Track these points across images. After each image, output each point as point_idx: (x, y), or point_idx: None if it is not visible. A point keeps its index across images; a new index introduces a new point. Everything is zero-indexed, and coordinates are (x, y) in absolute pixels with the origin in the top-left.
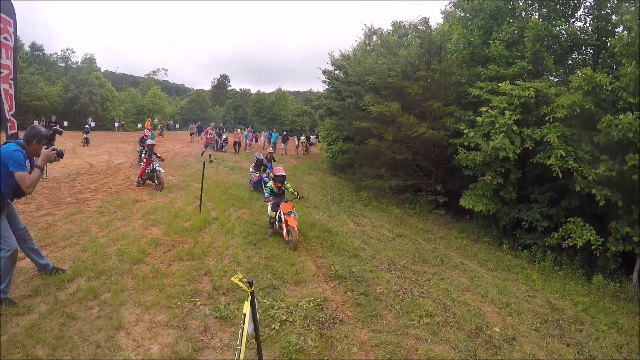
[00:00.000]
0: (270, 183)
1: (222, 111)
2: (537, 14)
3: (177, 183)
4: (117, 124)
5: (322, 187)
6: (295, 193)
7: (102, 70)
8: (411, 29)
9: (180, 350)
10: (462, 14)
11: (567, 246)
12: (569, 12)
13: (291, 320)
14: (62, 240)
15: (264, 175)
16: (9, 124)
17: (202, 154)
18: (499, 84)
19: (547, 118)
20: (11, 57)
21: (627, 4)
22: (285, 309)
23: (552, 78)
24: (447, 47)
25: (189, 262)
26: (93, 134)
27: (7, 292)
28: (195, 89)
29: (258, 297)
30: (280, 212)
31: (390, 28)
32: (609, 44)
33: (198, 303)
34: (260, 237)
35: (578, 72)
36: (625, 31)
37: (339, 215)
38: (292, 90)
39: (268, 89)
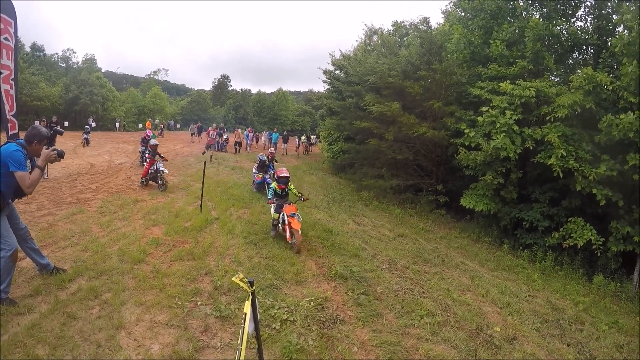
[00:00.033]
0: (274, 184)
1: (223, 111)
2: (537, 13)
3: (177, 183)
4: (117, 124)
5: (322, 187)
6: (299, 195)
7: (103, 70)
8: (412, 29)
9: (181, 349)
10: (463, 14)
11: (567, 246)
12: (570, 12)
13: (292, 319)
14: (62, 240)
15: (267, 177)
16: (9, 125)
17: (204, 154)
18: (500, 84)
19: (547, 118)
20: (12, 57)
21: (627, 4)
22: (285, 309)
23: (552, 78)
24: (447, 46)
25: (189, 262)
26: (94, 134)
27: (7, 292)
28: (195, 89)
29: (259, 297)
30: (283, 214)
31: (391, 28)
32: (609, 44)
33: (199, 303)
34: (261, 237)
35: (579, 71)
36: (625, 31)
37: (340, 215)
38: (292, 90)
39: (269, 89)
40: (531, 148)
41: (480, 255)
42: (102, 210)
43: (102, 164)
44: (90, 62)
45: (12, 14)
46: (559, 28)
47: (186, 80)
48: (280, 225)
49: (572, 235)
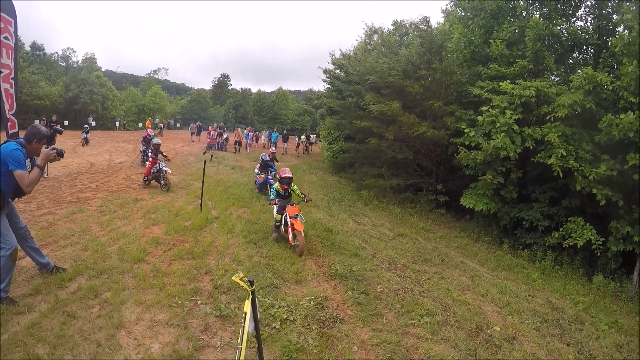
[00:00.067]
0: (276, 185)
1: (223, 110)
2: (538, 13)
3: (177, 182)
4: (117, 123)
5: (322, 187)
6: (302, 195)
7: (103, 69)
8: (412, 28)
9: (181, 349)
10: (463, 13)
11: (567, 246)
12: (570, 12)
13: (292, 319)
14: (62, 239)
15: (269, 177)
16: (9, 124)
17: (204, 154)
18: (500, 83)
19: (547, 117)
20: (12, 56)
21: (627, 4)
22: (285, 308)
23: (553, 77)
24: (447, 46)
25: (189, 261)
26: (94, 133)
27: (7, 291)
28: (195, 88)
29: (259, 296)
30: (286, 215)
31: (391, 27)
32: (609, 44)
33: (199, 302)
34: (261, 236)
35: (579, 71)
36: (626, 30)
37: (340, 214)
38: (292, 89)
39: (269, 88)
40: (531, 148)
41: (480, 255)
42: (102, 209)
43: (102, 163)
44: (90, 61)
45: (12, 13)
46: (559, 28)
47: (186, 80)
48: (282, 226)
49: (572, 235)
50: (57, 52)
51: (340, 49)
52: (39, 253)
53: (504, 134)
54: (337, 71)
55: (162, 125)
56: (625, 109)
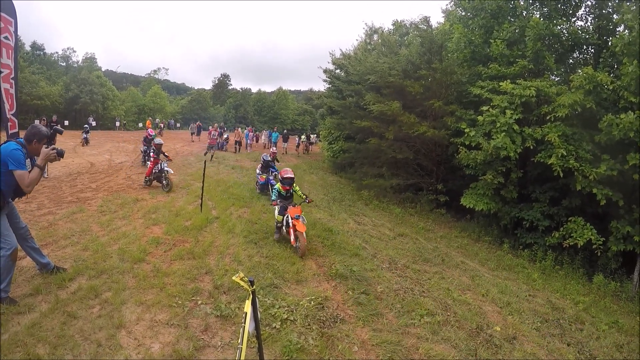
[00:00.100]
0: (278, 185)
1: (223, 110)
2: (538, 13)
3: (178, 182)
4: (118, 123)
5: (323, 186)
6: (304, 196)
7: (103, 69)
8: (412, 28)
9: (181, 349)
10: (463, 13)
11: (567, 245)
12: (570, 12)
13: (292, 319)
14: (63, 239)
15: (271, 178)
16: (9, 124)
17: (205, 154)
18: (500, 83)
19: (548, 117)
20: (12, 56)
21: (628, 3)
22: (286, 308)
23: (553, 77)
24: (448, 46)
25: (190, 261)
26: (94, 133)
27: (8, 291)
28: (196, 88)
29: (259, 296)
30: (287, 216)
31: (391, 27)
32: (610, 43)
33: (199, 302)
34: (261, 236)
35: (579, 71)
36: (626, 30)
37: (340, 214)
38: (293, 89)
39: (269, 88)
40: (531, 147)
41: (480, 255)
42: (103, 209)
43: (102, 163)
44: (90, 61)
45: (12, 12)
46: (559, 27)
47: (186, 80)
48: (284, 228)
49: (572, 234)
50: (57, 52)
51: (340, 49)
52: (39, 253)
53: (504, 133)
54: (338, 71)
55: (162, 125)
56: (626, 109)
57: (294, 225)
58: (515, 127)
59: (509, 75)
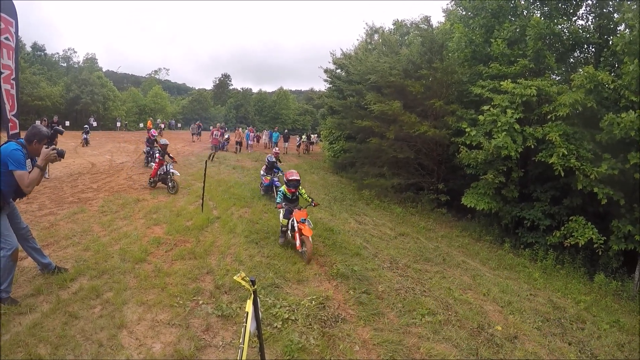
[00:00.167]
0: (283, 187)
1: (224, 110)
2: (539, 12)
3: (179, 182)
4: (119, 124)
5: (324, 186)
6: (310, 200)
7: (104, 70)
8: (413, 28)
9: (183, 349)
10: (464, 13)
11: (569, 245)
12: (571, 11)
13: (293, 318)
14: (64, 240)
15: (276, 179)
16: (10, 124)
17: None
18: (501, 83)
19: (549, 116)
20: (13, 57)
21: (628, 2)
22: (287, 308)
23: (554, 76)
24: (448, 45)
25: (191, 261)
26: (95, 133)
27: (9, 292)
28: (196, 88)
29: (260, 296)
30: (293, 220)
31: (392, 27)
32: (610, 42)
33: (200, 302)
34: (262, 236)
35: (580, 70)
36: (627, 29)
37: (341, 214)
38: (293, 89)
39: (269, 88)
40: (532, 147)
41: (481, 254)
42: (104, 209)
43: (103, 163)
44: (91, 61)
45: (13, 13)
46: (560, 27)
47: (187, 80)
48: (289, 232)
49: (573, 234)
50: (58, 53)
51: (341, 49)
52: (40, 253)
53: (505, 133)
54: (338, 71)
55: (162, 125)
56: (627, 108)
57: (299, 230)
58: (516, 126)
59: (510, 74)
